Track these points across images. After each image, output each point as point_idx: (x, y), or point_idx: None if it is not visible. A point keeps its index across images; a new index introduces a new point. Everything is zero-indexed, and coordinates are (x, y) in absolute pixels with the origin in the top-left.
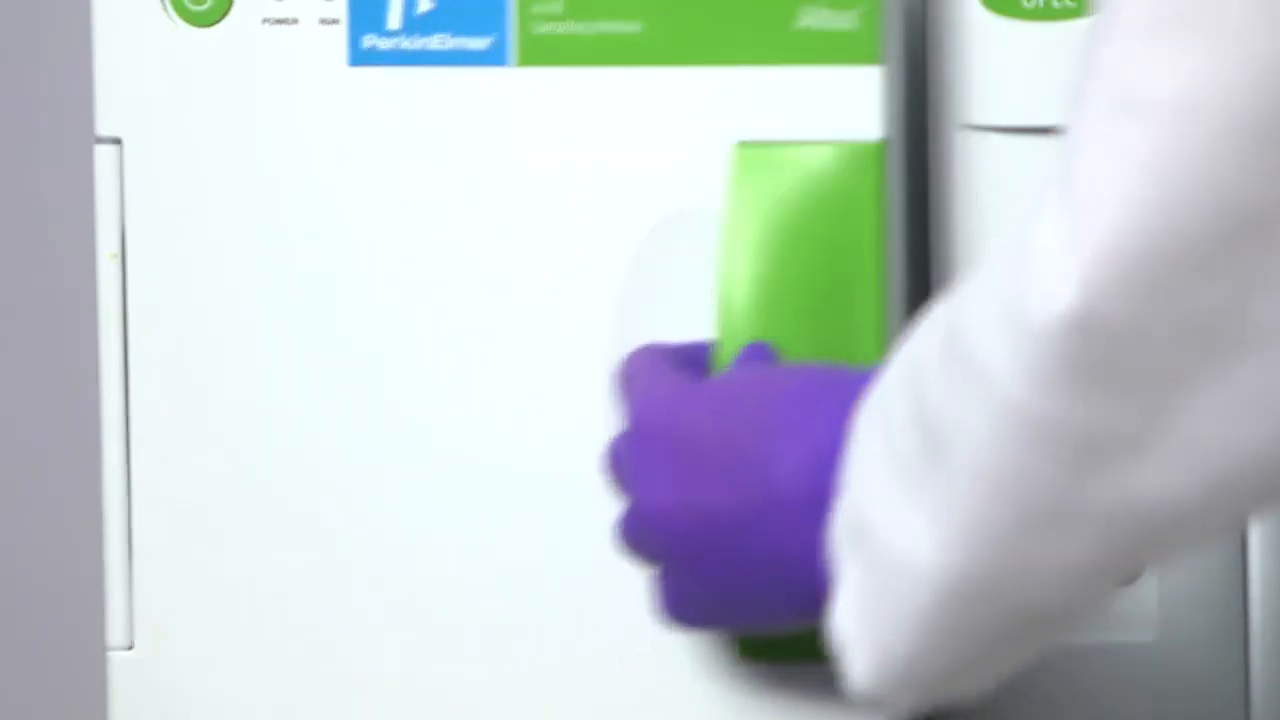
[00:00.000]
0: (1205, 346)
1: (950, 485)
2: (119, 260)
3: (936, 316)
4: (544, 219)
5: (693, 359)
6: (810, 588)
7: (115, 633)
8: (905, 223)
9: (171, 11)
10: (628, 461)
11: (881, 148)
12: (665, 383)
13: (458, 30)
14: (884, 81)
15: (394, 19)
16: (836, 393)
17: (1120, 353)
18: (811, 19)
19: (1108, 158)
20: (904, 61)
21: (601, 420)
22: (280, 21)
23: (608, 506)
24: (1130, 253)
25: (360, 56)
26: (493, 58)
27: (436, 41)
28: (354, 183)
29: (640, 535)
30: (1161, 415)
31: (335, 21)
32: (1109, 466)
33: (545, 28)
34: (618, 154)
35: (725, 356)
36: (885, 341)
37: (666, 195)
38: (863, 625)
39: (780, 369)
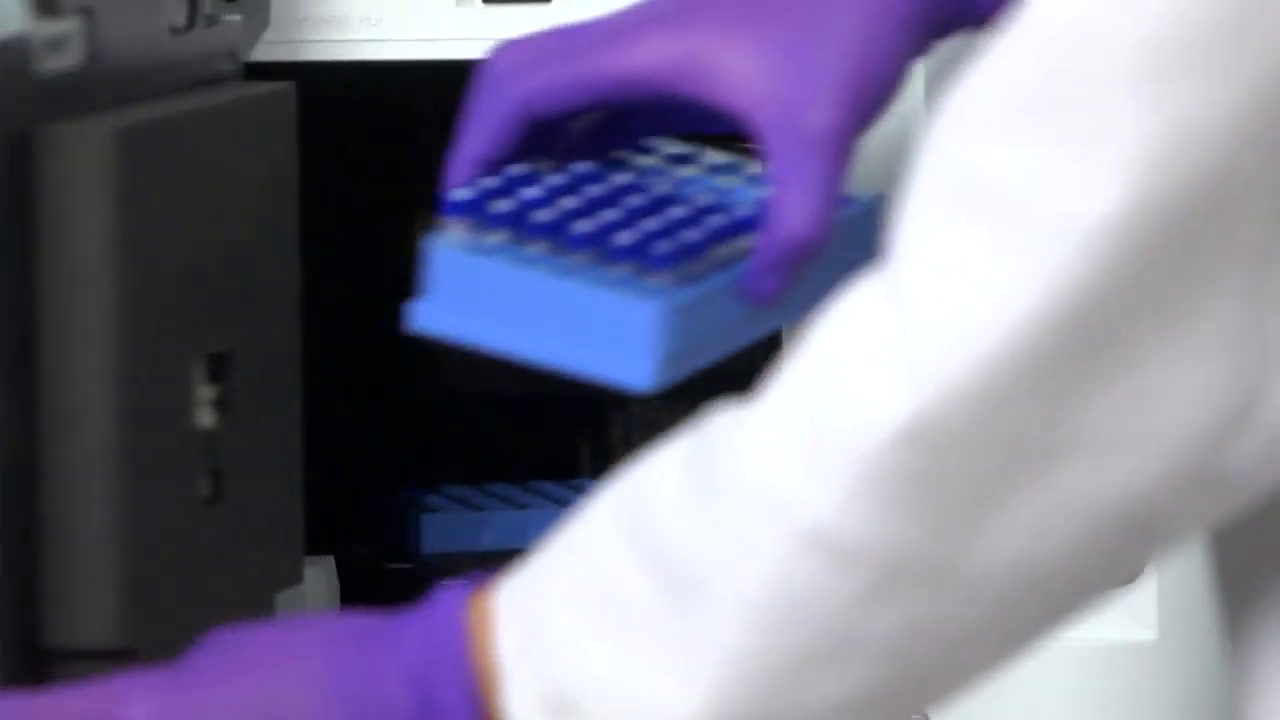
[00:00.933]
0: (1020, 458)
1: (708, 627)
2: None
3: (650, 466)
4: None
5: None
6: None
7: None
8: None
9: None
10: None
11: None
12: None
13: None
14: None
15: None
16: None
17: (941, 467)
18: None
19: (944, 260)
20: None
21: None
22: None
23: None
24: (966, 362)
25: None
26: None
27: None
28: None
29: None
30: (965, 535)
31: None
32: (902, 593)
33: None
34: None
35: None
36: None
37: None
38: None
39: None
